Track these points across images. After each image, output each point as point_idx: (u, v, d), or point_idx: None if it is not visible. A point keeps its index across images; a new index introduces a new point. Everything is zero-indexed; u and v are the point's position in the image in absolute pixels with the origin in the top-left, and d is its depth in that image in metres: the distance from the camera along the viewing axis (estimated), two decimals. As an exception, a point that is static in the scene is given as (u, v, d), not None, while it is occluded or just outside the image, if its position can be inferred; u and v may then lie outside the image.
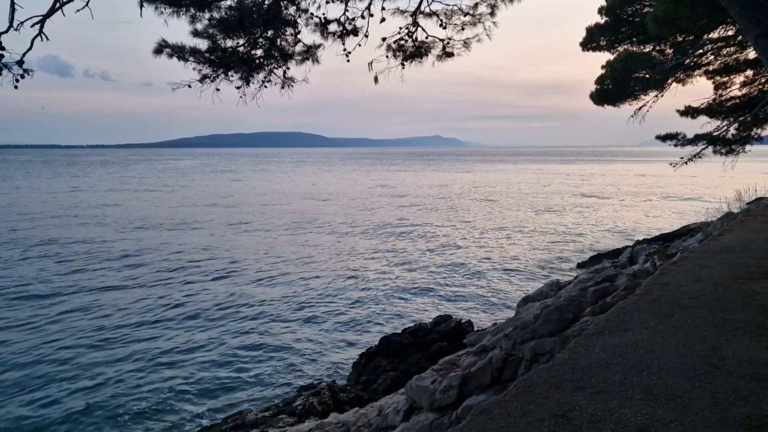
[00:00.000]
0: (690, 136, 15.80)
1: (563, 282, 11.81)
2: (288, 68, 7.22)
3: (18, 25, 4.90)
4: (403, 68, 7.39)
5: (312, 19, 6.89)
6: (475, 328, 12.54)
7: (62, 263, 22.94)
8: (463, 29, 7.26)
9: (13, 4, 4.69)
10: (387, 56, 7.29)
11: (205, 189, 64.79)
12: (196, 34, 6.50)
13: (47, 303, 17.32)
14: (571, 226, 33.82)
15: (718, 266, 6.74)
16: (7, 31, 4.79)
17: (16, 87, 4.94)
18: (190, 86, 6.69)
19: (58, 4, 5.12)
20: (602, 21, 14.37)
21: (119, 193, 57.63)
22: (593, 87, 14.41)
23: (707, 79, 15.58)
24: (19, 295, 18.13)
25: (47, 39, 5.09)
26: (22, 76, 4.97)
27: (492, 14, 7.17)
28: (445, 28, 7.27)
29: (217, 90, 6.82)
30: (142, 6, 5.90)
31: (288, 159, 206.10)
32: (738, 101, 15.55)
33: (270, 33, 6.92)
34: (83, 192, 58.91)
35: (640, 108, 14.87)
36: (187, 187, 68.55)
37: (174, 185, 71.00)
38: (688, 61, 13.75)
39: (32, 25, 5.04)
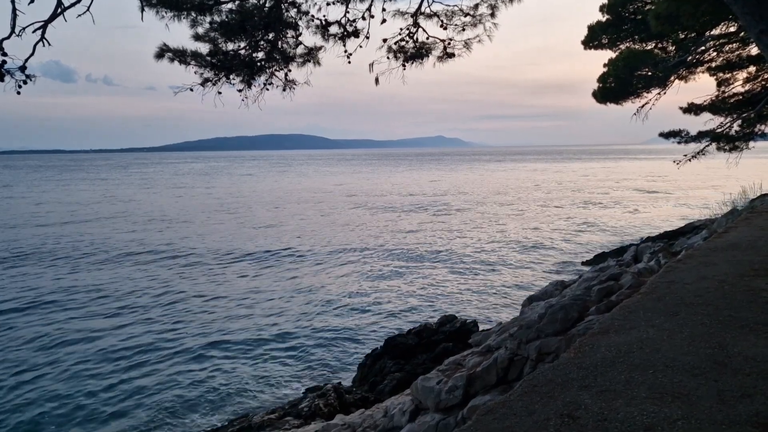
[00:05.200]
0: (693, 133, 15.79)
1: (568, 281, 11.79)
2: (289, 71, 7.22)
3: (20, 31, 4.92)
4: (405, 69, 7.39)
5: (313, 21, 6.90)
6: (480, 329, 12.51)
7: (70, 263, 23.05)
8: (463, 30, 7.26)
9: (14, 10, 4.71)
10: (388, 57, 7.30)
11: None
12: (197, 37, 6.52)
13: (60, 302, 17.41)
14: (575, 224, 33.75)
15: (723, 264, 6.71)
16: (9, 37, 4.81)
17: (18, 93, 4.96)
18: (192, 90, 6.69)
19: (59, 9, 5.14)
20: (604, 19, 14.36)
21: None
22: (596, 85, 14.40)
23: (710, 75, 15.56)
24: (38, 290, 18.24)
25: (49, 44, 5.11)
26: (25, 82, 4.99)
27: (492, 15, 7.17)
28: (445, 28, 7.27)
29: (219, 93, 6.84)
30: (143, 10, 5.91)
31: (299, 161, 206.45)
32: (741, 98, 15.52)
33: (271, 36, 6.93)
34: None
35: (642, 106, 14.85)
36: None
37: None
38: (690, 58, 13.73)
39: (34, 31, 5.05)
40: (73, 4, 5.14)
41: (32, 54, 5.07)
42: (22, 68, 4.95)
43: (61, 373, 12.64)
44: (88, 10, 5.17)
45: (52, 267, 23.36)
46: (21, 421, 10.61)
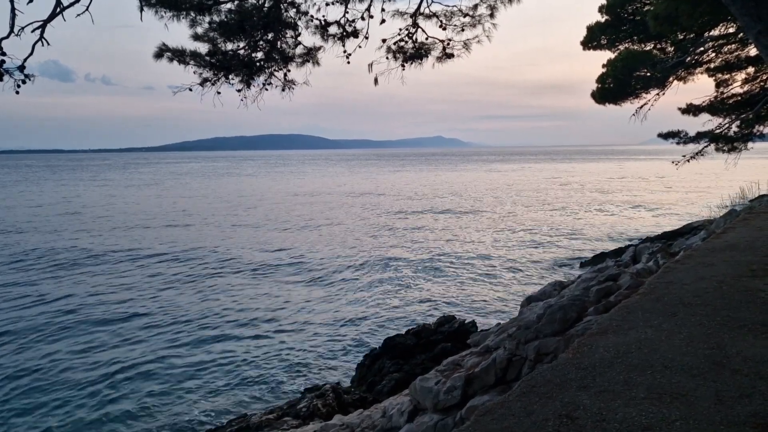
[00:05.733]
0: (692, 133, 15.80)
1: (566, 281, 11.79)
2: (288, 71, 7.23)
3: (19, 31, 4.92)
4: (404, 69, 7.39)
5: (312, 21, 6.90)
6: (479, 329, 12.51)
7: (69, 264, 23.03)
8: (462, 30, 7.26)
9: (13, 9, 4.71)
10: (387, 58, 7.30)
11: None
12: (196, 37, 6.52)
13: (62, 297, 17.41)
14: (574, 225, 33.76)
15: (721, 264, 6.72)
16: (8, 37, 4.81)
17: (17, 92, 4.96)
18: (191, 90, 6.69)
19: (58, 9, 5.13)
20: (603, 20, 14.38)
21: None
22: (595, 86, 14.42)
23: (708, 76, 15.57)
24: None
25: (48, 44, 5.11)
26: (24, 82, 4.99)
27: (491, 15, 7.17)
28: (444, 29, 7.27)
29: (218, 93, 6.84)
30: (142, 10, 5.91)
31: (298, 161, 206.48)
32: (740, 98, 15.54)
33: (270, 36, 6.93)
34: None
35: (641, 106, 14.86)
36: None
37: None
38: (689, 59, 13.74)
39: (33, 30, 5.05)
40: (72, 4, 5.14)
41: (31, 53, 5.08)
42: (21, 68, 4.96)
43: (57, 369, 12.63)
44: (87, 9, 5.17)
45: (55, 268, 23.35)
46: (14, 414, 10.64)
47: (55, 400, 11.32)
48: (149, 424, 10.40)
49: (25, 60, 4.96)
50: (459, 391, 6.56)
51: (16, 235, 31.97)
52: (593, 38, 14.59)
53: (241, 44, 6.81)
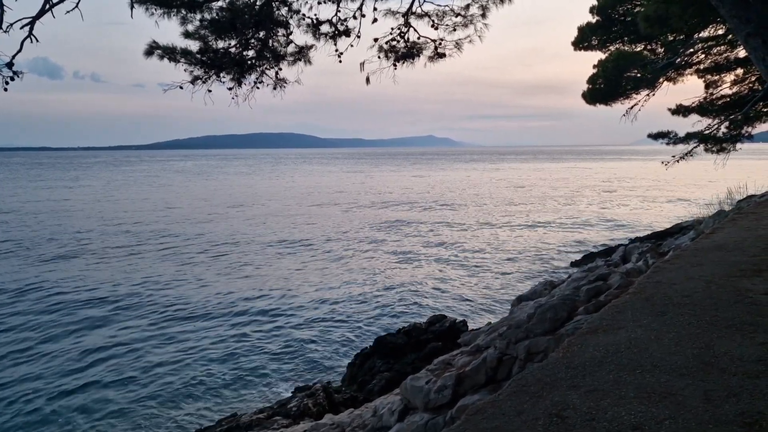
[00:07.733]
0: (681, 134, 15.88)
1: (557, 281, 11.84)
2: (280, 69, 7.21)
3: (7, 27, 4.88)
4: (395, 69, 7.38)
5: (304, 20, 6.89)
6: (470, 328, 12.54)
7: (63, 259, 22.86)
8: (454, 30, 7.27)
9: (1, 5, 4.66)
10: (379, 57, 7.29)
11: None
12: (187, 35, 6.48)
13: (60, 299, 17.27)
14: (564, 225, 33.92)
15: (710, 264, 6.76)
16: (-4, 33, 4.77)
17: (5, 89, 4.92)
18: (181, 87, 6.66)
19: (47, 6, 5.09)
20: (594, 20, 14.43)
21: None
22: (585, 86, 14.47)
23: (698, 77, 15.66)
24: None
25: (37, 41, 5.07)
26: (12, 78, 4.96)
27: (483, 15, 7.18)
28: (436, 29, 7.28)
29: (209, 91, 6.80)
30: (132, 7, 5.87)
31: (292, 160, 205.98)
32: (729, 99, 15.63)
33: (262, 34, 6.91)
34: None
35: (632, 107, 14.93)
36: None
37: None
38: (679, 60, 13.82)
39: (21, 27, 5.01)
40: (61, 0, 5.10)
41: (20, 50, 5.04)
42: (9, 65, 4.92)
43: (42, 368, 12.53)
44: (76, 6, 5.13)
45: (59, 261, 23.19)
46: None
47: (44, 400, 11.23)
48: (139, 423, 10.34)
49: (13, 57, 4.93)
50: (450, 390, 6.57)
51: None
52: (584, 39, 14.64)
53: (233, 42, 6.78)
